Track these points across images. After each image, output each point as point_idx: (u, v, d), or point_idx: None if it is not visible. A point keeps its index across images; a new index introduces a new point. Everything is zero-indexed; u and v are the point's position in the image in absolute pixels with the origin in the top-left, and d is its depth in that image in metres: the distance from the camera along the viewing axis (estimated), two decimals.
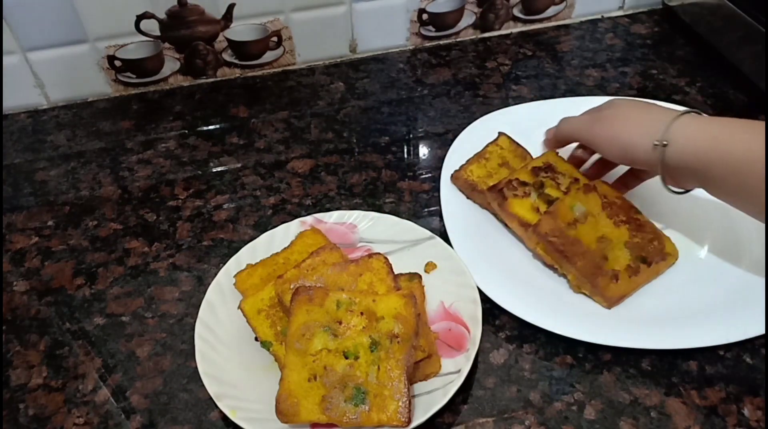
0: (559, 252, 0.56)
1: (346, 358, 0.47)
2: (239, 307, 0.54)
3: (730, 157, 0.49)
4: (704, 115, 0.54)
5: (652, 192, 0.64)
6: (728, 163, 0.50)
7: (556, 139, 0.64)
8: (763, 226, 0.58)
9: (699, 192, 0.64)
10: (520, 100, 0.79)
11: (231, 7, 0.80)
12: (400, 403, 0.46)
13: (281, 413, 0.46)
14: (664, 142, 0.52)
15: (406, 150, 0.74)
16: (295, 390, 0.47)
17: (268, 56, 0.86)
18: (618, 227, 0.58)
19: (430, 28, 0.88)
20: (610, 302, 0.55)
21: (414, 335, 0.48)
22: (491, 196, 0.61)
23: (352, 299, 0.49)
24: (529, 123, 0.71)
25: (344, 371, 0.47)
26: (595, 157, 0.63)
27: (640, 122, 0.54)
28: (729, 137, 0.50)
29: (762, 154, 0.48)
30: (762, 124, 0.50)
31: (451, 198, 0.65)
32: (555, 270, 0.58)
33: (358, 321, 0.49)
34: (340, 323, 0.49)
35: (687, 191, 0.56)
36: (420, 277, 0.56)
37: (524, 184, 0.61)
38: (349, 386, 0.47)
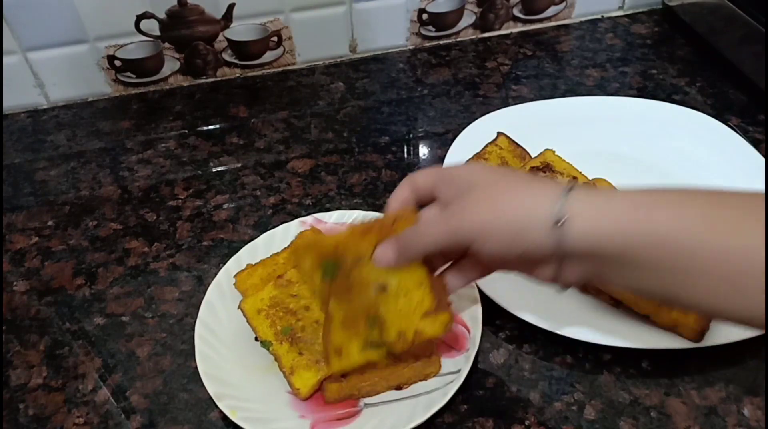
0: None
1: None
2: (239, 307, 0.54)
3: (668, 236, 0.35)
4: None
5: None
6: (666, 244, 0.35)
7: (400, 261, 0.44)
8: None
9: None
10: (520, 100, 0.79)
11: (231, 7, 0.80)
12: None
13: None
14: (563, 219, 0.37)
15: (406, 150, 0.74)
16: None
17: (268, 56, 0.86)
18: None
19: (430, 28, 0.88)
20: (615, 301, 0.55)
21: None
22: None
23: None
24: (529, 123, 0.71)
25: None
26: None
27: (525, 193, 0.39)
28: (659, 209, 0.36)
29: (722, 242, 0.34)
30: (691, 193, 0.37)
31: None
32: None
33: None
34: None
35: (566, 288, 0.43)
36: None
37: None
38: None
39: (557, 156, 0.64)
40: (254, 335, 0.53)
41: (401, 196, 0.46)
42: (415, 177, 0.46)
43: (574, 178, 0.62)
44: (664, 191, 0.38)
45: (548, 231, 0.37)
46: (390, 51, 0.89)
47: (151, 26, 0.80)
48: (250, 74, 0.87)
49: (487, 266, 0.46)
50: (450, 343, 0.52)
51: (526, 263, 0.41)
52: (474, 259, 0.45)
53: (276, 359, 0.51)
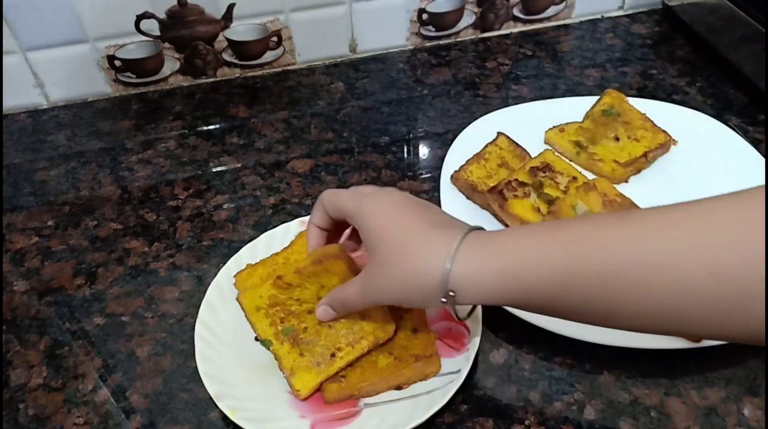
0: None
1: None
2: (237, 299, 0.54)
3: (546, 281, 0.39)
4: (484, 230, 0.44)
5: (652, 189, 0.64)
6: (541, 291, 0.39)
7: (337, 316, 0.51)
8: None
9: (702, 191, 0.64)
10: (520, 100, 0.79)
11: (231, 7, 0.80)
12: None
13: None
14: (451, 293, 0.41)
15: (406, 150, 0.74)
16: None
17: (268, 56, 0.86)
18: None
19: (430, 28, 0.88)
20: None
21: None
22: (491, 198, 0.61)
23: None
24: (529, 123, 0.71)
25: None
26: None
27: (419, 264, 0.42)
28: (531, 260, 0.39)
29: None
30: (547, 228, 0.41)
31: (451, 198, 0.65)
32: None
33: None
34: None
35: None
36: None
37: (523, 184, 0.61)
38: None
39: (557, 156, 0.65)
40: (254, 335, 0.53)
41: (317, 224, 0.51)
42: (327, 209, 0.50)
43: (574, 178, 0.62)
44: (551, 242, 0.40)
45: (441, 301, 0.42)
46: (390, 51, 0.89)
47: (151, 26, 0.80)
48: (250, 74, 0.87)
49: None
50: (450, 343, 0.52)
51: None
52: None
53: (277, 359, 0.51)
